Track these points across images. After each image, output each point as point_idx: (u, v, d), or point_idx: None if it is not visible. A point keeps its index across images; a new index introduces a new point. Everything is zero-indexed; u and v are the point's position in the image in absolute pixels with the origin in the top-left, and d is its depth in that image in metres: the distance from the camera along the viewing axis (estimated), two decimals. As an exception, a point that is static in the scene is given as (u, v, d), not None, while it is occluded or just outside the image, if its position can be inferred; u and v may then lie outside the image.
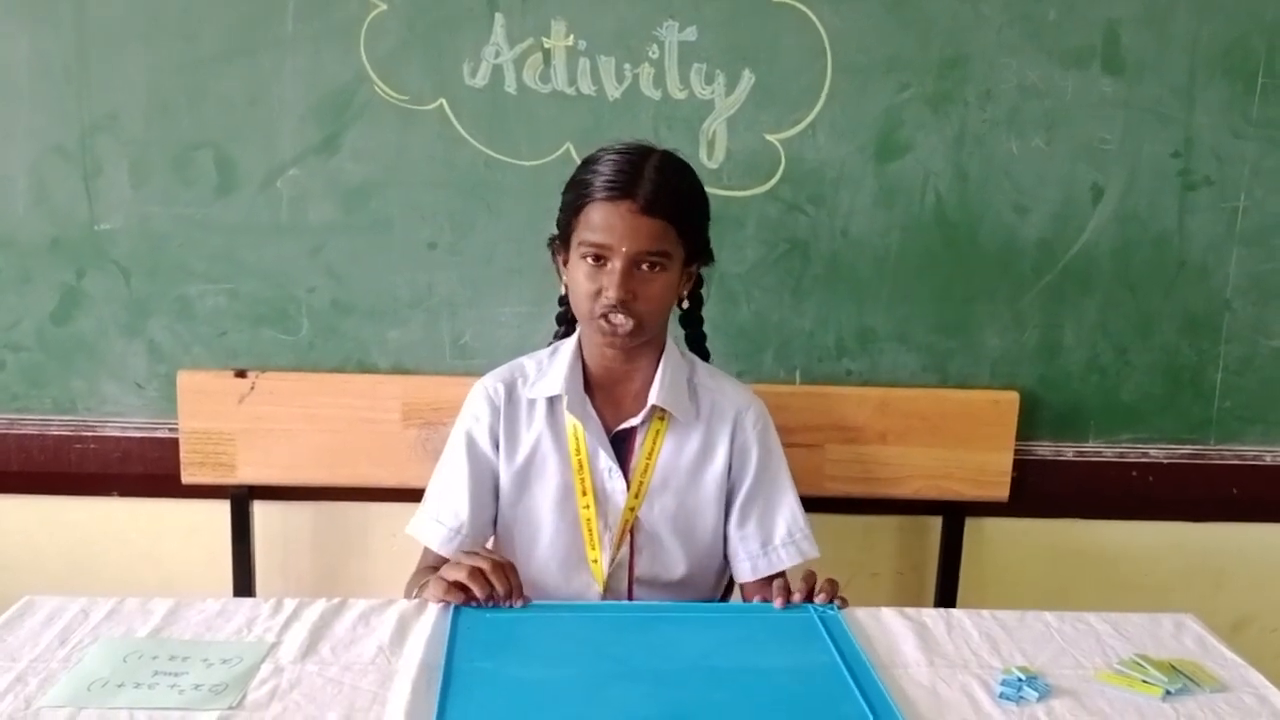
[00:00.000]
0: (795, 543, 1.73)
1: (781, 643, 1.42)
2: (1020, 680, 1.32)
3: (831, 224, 2.06)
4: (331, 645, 1.37)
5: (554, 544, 1.70)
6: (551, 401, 1.69)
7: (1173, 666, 1.38)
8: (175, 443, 2.06)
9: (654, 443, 1.69)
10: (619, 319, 1.58)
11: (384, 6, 1.96)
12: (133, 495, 2.14)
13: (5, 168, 2.01)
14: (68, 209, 2.02)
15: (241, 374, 2.04)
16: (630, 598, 1.71)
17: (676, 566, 1.71)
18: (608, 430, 1.68)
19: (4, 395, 2.09)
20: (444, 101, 1.99)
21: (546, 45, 1.98)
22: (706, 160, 2.02)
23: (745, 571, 1.73)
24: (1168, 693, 1.32)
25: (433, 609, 1.47)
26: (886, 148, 2.04)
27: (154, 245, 2.04)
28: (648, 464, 1.68)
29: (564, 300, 1.76)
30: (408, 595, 1.67)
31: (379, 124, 2.00)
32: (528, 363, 1.74)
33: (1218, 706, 1.31)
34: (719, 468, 1.71)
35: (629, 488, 1.67)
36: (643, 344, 1.66)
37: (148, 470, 2.11)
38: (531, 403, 1.70)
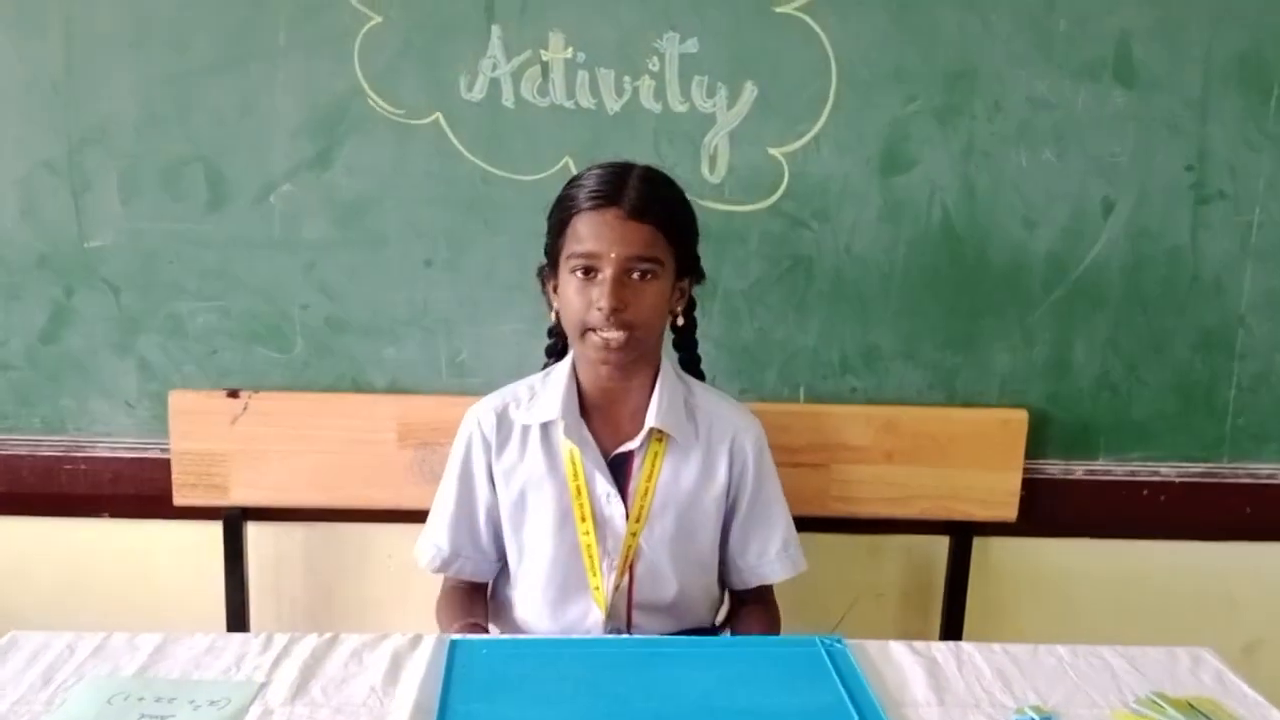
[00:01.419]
0: (790, 557, 1.74)
1: (786, 680, 1.38)
2: (1034, 721, 1.29)
3: (836, 239, 2.02)
4: (322, 685, 1.34)
5: (553, 571, 1.67)
6: (546, 427, 1.66)
7: (1191, 705, 1.34)
8: (167, 463, 2.02)
9: (653, 465, 1.66)
10: (610, 333, 1.55)
11: (379, 19, 1.91)
12: (124, 516, 2.10)
13: (-7, 183, 1.97)
14: (56, 225, 1.98)
15: (234, 394, 2.00)
16: (629, 623, 1.68)
17: (670, 588, 1.68)
18: (605, 454, 1.65)
19: (-7, 415, 2.06)
20: (440, 115, 1.95)
21: (544, 58, 1.93)
22: (708, 175, 1.98)
23: (737, 582, 1.76)
24: (1186, 733, 1.29)
25: (426, 644, 1.43)
26: (892, 161, 1.99)
27: (144, 262, 2.00)
28: (647, 487, 1.65)
29: (553, 330, 1.75)
30: (439, 620, 1.71)
31: (374, 138, 1.96)
32: (520, 388, 1.72)
33: (1238, 749, 1.27)
34: (719, 488, 1.69)
35: (629, 513, 1.64)
36: (638, 363, 1.64)
37: (139, 491, 2.06)
38: (525, 429, 1.67)
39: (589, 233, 1.55)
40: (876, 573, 2.19)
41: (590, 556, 1.65)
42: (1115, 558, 2.18)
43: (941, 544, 2.15)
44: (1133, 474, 2.13)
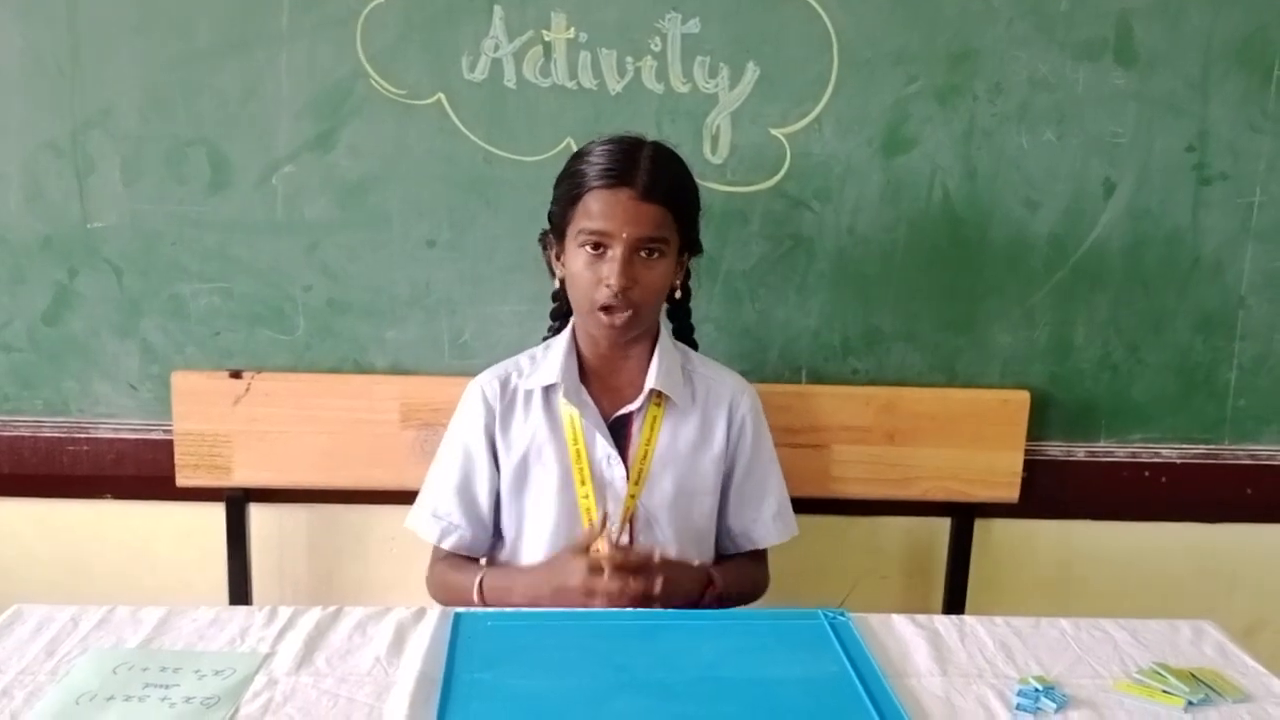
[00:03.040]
0: (783, 522, 1.78)
1: (790, 651, 1.38)
2: (1037, 690, 1.29)
3: (837, 220, 2.02)
4: (327, 656, 1.34)
5: (554, 535, 1.68)
6: (548, 392, 1.69)
7: (1193, 675, 1.35)
8: (169, 445, 2.02)
9: (652, 428, 1.69)
10: (617, 312, 1.59)
11: (381, -1, 1.92)
12: (126, 498, 2.10)
13: (-3, 164, 1.97)
14: (60, 207, 1.98)
15: (237, 375, 2.00)
16: None
17: (670, 553, 1.68)
18: (605, 418, 1.68)
19: (-5, 396, 2.06)
20: (442, 96, 1.95)
21: (546, 38, 1.93)
22: (710, 155, 1.98)
23: (729, 546, 1.78)
24: (1189, 703, 1.29)
25: (430, 617, 1.43)
26: (894, 142, 1.99)
27: (147, 243, 2.00)
28: (646, 450, 1.68)
29: (558, 295, 1.76)
30: (436, 593, 1.72)
31: (376, 119, 1.96)
32: (522, 358, 1.76)
33: (1241, 718, 1.27)
34: (716, 452, 1.72)
35: (628, 475, 1.66)
36: (638, 334, 1.67)
37: (141, 473, 2.07)
38: (528, 395, 1.71)
39: (601, 211, 1.57)
40: (878, 554, 2.19)
41: (590, 520, 1.66)
42: (1117, 539, 2.18)
43: (943, 525, 2.15)
44: (1134, 455, 2.14)
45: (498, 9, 1.92)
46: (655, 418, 1.68)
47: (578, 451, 1.66)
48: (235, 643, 1.36)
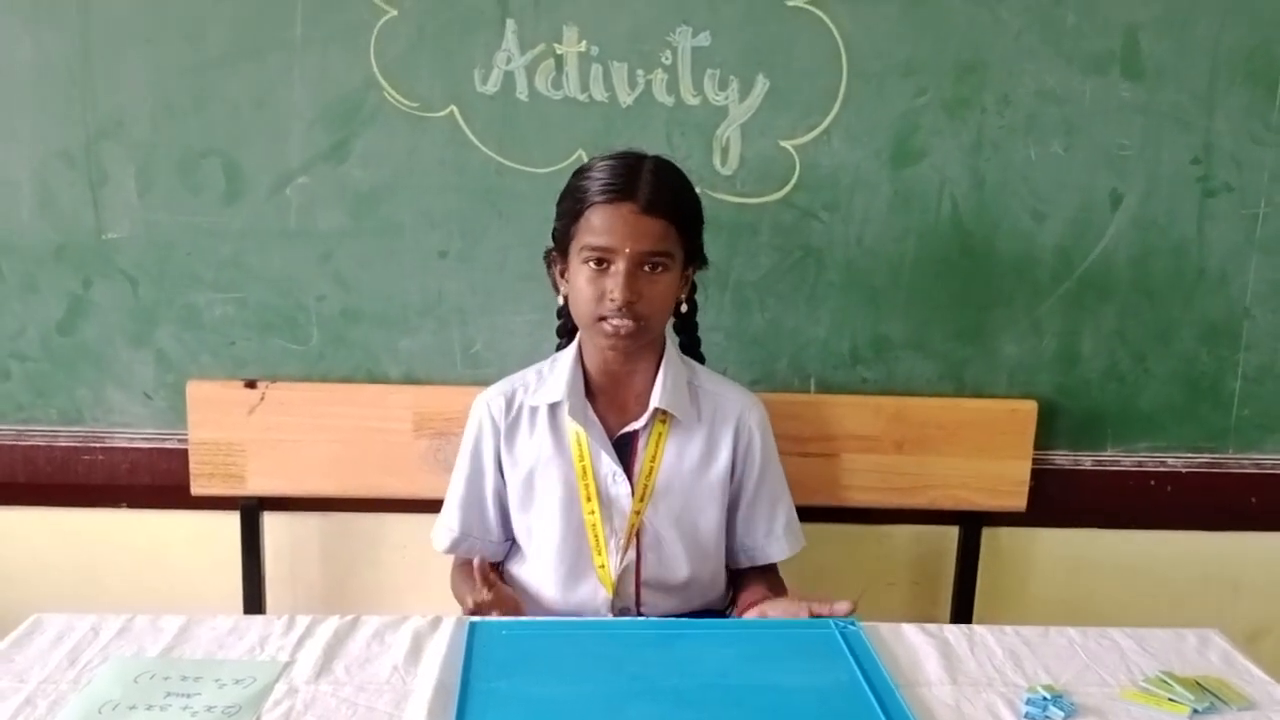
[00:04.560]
0: (793, 534, 1.79)
1: (802, 659, 1.40)
2: (1045, 699, 1.31)
3: (846, 230, 2.04)
4: (345, 664, 1.36)
5: (560, 551, 1.70)
6: (553, 409, 1.70)
7: (1199, 684, 1.36)
8: (184, 454, 2.04)
9: (657, 445, 1.69)
10: (621, 321, 1.58)
11: (394, 12, 1.93)
12: (141, 507, 2.12)
13: (10, 174, 1.98)
14: (74, 217, 2.00)
15: (251, 384, 2.02)
16: (638, 602, 1.72)
17: (680, 568, 1.72)
18: (610, 434, 1.69)
19: (10, 405, 2.07)
20: (455, 108, 1.97)
21: (559, 51, 1.95)
22: (720, 167, 1.99)
23: (742, 560, 1.79)
24: (1195, 711, 1.30)
25: (446, 625, 1.45)
26: (902, 153, 2.01)
27: (161, 253, 2.01)
28: (651, 467, 1.69)
29: (563, 311, 1.77)
30: (455, 590, 1.75)
31: (389, 131, 1.97)
32: (529, 374, 1.76)
33: (1246, 726, 1.29)
34: (722, 469, 1.72)
35: (633, 491, 1.68)
36: (643, 346, 1.68)
37: (156, 481, 2.08)
38: (534, 411, 1.71)
39: (603, 226, 1.58)
40: (886, 562, 2.21)
41: (596, 536, 1.68)
42: (1123, 547, 2.20)
43: (951, 534, 2.17)
44: (1140, 464, 2.15)
45: (510, 22, 1.94)
46: (660, 435, 1.69)
47: (583, 468, 1.67)
48: (255, 651, 1.38)
